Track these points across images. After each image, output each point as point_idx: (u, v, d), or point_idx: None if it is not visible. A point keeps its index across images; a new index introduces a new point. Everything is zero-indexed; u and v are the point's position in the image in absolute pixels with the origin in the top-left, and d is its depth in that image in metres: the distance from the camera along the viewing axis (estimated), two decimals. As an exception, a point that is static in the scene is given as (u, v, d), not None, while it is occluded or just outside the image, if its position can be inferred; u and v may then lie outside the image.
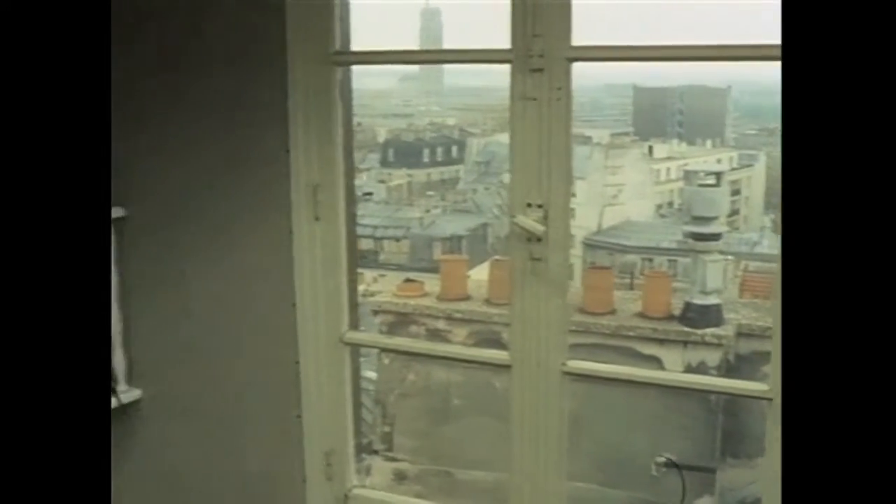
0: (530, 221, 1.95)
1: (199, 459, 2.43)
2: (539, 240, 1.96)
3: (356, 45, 2.48)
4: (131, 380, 2.42)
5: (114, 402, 2.38)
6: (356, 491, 2.35)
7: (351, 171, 2.27)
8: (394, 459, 7.24)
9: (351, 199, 2.26)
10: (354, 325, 2.33)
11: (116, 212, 2.31)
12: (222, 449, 2.40)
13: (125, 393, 2.40)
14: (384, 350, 6.23)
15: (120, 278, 2.34)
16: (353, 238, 2.29)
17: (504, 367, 2.14)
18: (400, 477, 7.33)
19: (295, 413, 2.26)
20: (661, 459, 5.08)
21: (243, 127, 2.18)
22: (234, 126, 2.18)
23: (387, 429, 7.33)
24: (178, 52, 2.21)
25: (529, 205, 1.96)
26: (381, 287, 8.52)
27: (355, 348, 2.33)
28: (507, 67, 1.95)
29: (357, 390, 2.40)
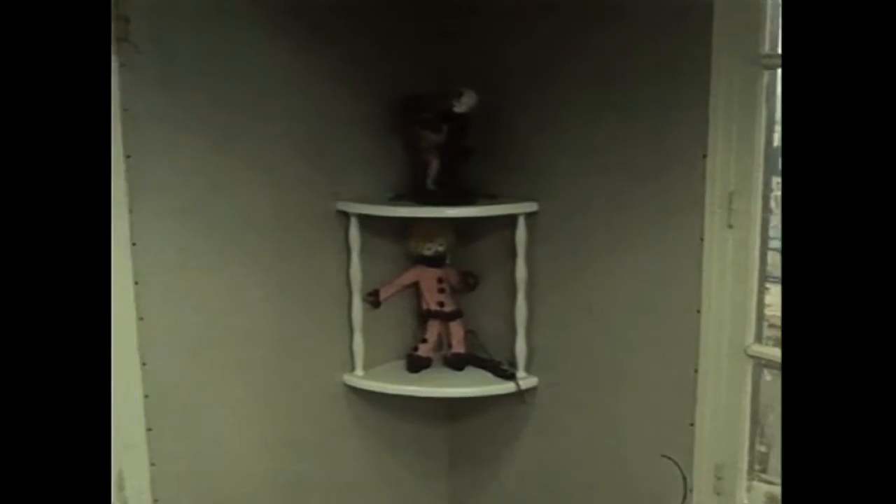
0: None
1: (586, 452, 2.48)
2: None
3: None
4: (530, 367, 2.52)
5: (512, 387, 2.50)
6: (745, 510, 2.27)
7: (769, 179, 2.18)
8: (768, 482, 6.86)
9: (766, 208, 2.17)
10: (759, 338, 2.23)
11: (529, 206, 2.42)
12: (609, 445, 2.42)
13: (523, 379, 2.51)
14: (767, 366, 5.91)
15: (527, 269, 2.45)
16: (765, 248, 2.20)
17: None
18: (771, 501, 6.92)
19: (688, 421, 2.22)
20: None
21: (661, 130, 2.17)
22: (652, 128, 2.18)
23: (763, 449, 7.00)
24: (606, 58, 2.25)
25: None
26: (768, 300, 8.06)
27: (758, 362, 2.24)
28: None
29: (756, 406, 2.30)
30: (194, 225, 2.21)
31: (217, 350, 2.29)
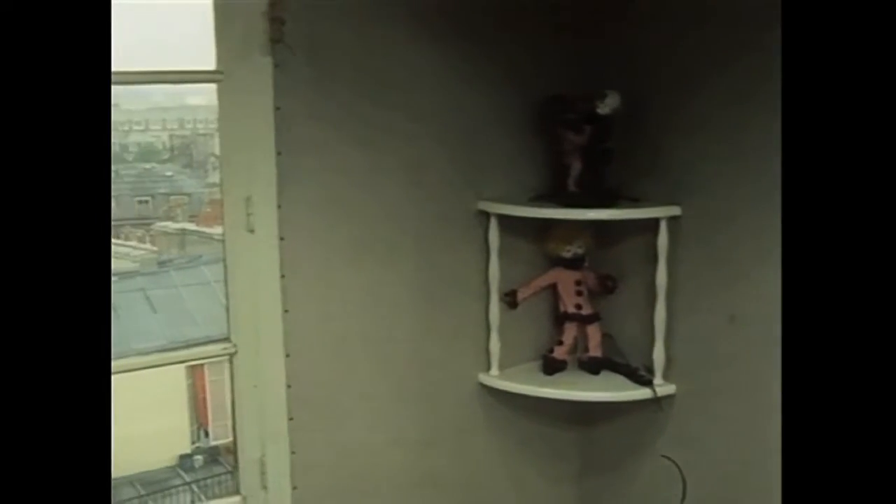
0: None
1: (723, 465, 2.42)
2: None
3: None
4: (668, 375, 2.48)
5: (648, 394, 2.46)
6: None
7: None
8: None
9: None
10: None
11: (672, 210, 2.38)
12: (750, 460, 2.35)
13: (660, 387, 2.46)
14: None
15: (668, 274, 2.40)
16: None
17: None
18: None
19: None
20: None
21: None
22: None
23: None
24: (762, 66, 2.19)
25: None
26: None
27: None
28: None
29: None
30: (339, 220, 2.26)
31: (357, 344, 2.34)
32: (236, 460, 2.38)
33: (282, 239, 2.17)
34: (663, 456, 2.39)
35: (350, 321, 2.32)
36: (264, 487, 2.27)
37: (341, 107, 2.21)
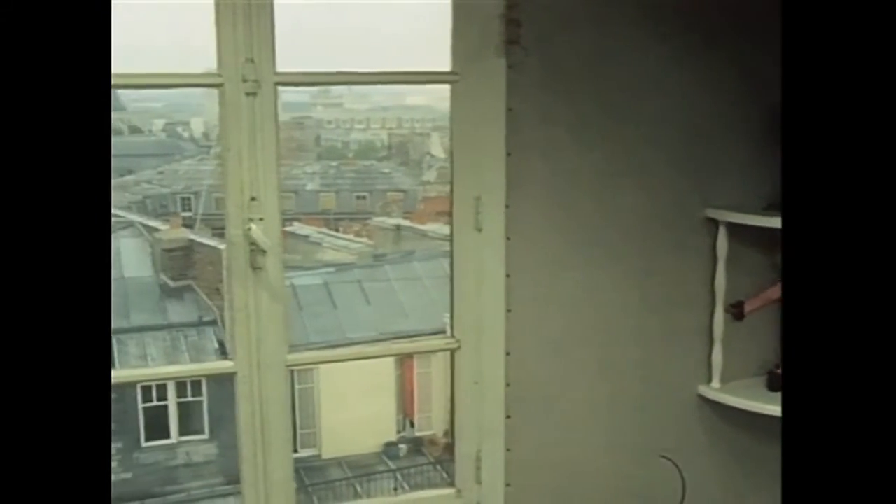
0: None
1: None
2: None
3: None
4: None
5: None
6: None
7: None
8: None
9: None
10: None
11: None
12: None
13: None
14: None
15: None
16: None
17: None
18: None
19: None
20: None
21: None
22: None
23: None
24: None
25: None
26: None
27: None
28: None
29: None
30: (565, 222, 2.27)
31: (576, 346, 2.34)
32: (452, 453, 2.43)
33: (508, 239, 2.19)
34: (662, 456, 2.35)
35: (570, 323, 2.32)
36: (479, 482, 2.30)
37: (572, 109, 2.21)
